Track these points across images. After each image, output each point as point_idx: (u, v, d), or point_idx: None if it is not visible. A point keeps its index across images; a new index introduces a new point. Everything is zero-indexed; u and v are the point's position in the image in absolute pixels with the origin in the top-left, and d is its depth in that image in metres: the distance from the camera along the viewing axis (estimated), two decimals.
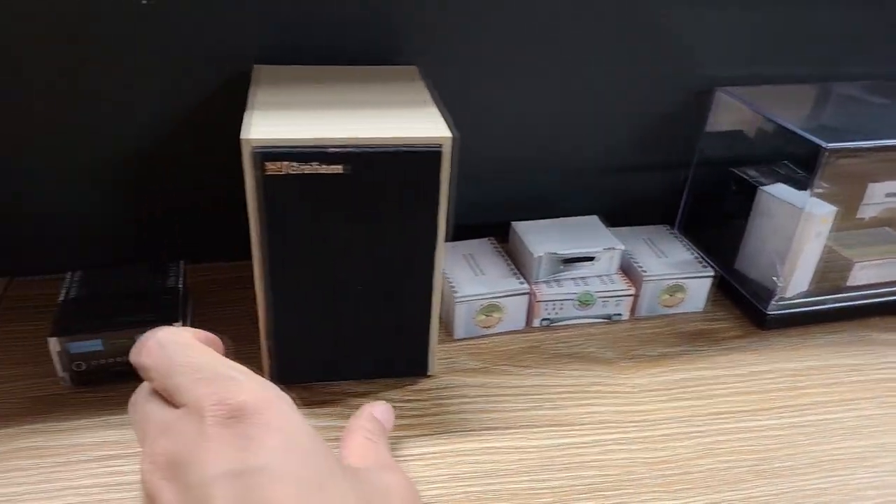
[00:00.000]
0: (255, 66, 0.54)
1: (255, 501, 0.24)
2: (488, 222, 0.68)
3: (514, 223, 0.63)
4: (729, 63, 0.66)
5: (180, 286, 0.55)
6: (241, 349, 0.56)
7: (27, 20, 0.52)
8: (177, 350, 0.30)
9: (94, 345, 0.51)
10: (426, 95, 0.50)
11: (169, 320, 0.51)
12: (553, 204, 0.70)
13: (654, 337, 0.59)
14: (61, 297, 0.53)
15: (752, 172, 0.63)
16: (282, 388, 0.51)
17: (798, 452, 0.49)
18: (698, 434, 0.50)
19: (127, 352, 0.51)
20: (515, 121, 0.65)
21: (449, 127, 0.44)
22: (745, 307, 0.62)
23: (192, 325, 0.56)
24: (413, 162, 0.43)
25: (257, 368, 0.53)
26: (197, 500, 0.24)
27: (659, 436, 0.49)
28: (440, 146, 0.43)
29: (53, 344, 0.50)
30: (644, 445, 0.49)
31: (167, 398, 0.30)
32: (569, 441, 0.49)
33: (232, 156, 0.61)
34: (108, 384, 0.52)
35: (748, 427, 0.50)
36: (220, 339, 0.35)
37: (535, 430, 0.50)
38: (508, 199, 0.69)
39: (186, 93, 0.58)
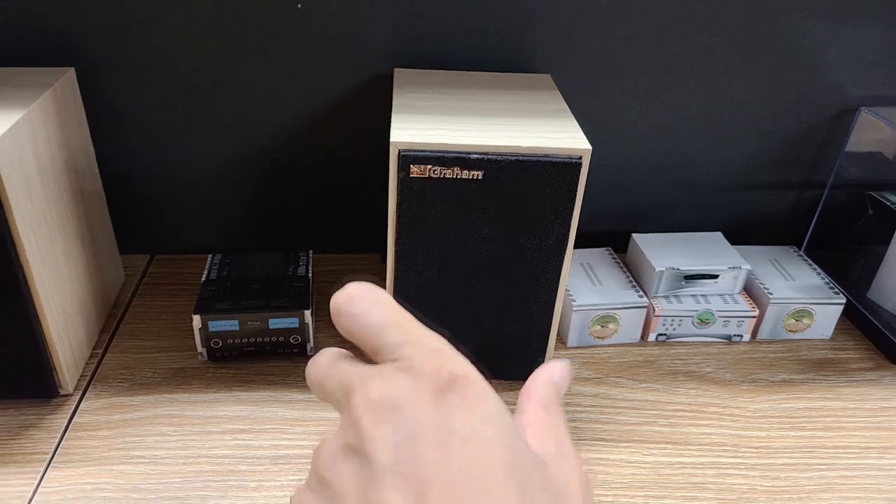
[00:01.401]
0: (395, 69, 0.56)
1: (465, 462, 0.24)
2: (603, 231, 0.68)
3: (634, 235, 0.62)
4: (869, 82, 0.63)
5: (309, 275, 0.58)
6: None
7: (184, 20, 0.56)
8: (385, 308, 0.29)
9: (230, 325, 0.54)
10: (563, 105, 0.51)
11: (299, 307, 0.54)
12: (670, 217, 0.69)
13: (775, 362, 0.58)
14: (203, 278, 0.57)
15: (894, 198, 0.60)
16: None
17: None
18: (822, 467, 0.48)
19: (259, 334, 0.55)
20: (642, 131, 0.64)
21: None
22: (878, 339, 0.59)
23: (316, 314, 0.59)
24: (551, 172, 0.44)
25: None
26: (410, 448, 0.24)
27: (780, 464, 0.48)
28: (580, 158, 0.44)
29: (196, 321, 0.53)
30: (763, 473, 0.48)
31: (369, 355, 0.29)
32: (684, 460, 0.48)
33: (365, 154, 0.64)
34: (239, 362, 0.56)
35: (877, 465, 0.48)
36: None
37: (648, 445, 0.50)
38: (626, 210, 0.68)
39: (329, 91, 0.60)
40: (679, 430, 0.51)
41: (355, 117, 0.62)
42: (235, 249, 0.69)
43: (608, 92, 0.62)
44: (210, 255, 0.61)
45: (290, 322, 0.55)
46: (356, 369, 0.28)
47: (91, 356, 0.56)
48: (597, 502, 0.45)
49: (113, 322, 0.60)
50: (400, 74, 0.55)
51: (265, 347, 0.55)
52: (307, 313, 0.54)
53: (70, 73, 0.53)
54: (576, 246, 0.62)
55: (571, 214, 0.46)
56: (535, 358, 0.53)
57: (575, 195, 0.45)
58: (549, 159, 0.44)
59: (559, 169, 0.44)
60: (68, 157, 0.52)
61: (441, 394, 0.25)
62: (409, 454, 0.24)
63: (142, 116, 0.61)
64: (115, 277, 0.63)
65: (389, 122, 0.61)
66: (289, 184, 0.66)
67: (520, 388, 0.54)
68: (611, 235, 0.67)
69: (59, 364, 0.50)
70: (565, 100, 0.52)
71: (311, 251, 0.62)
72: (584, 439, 0.50)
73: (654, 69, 0.61)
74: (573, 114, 0.49)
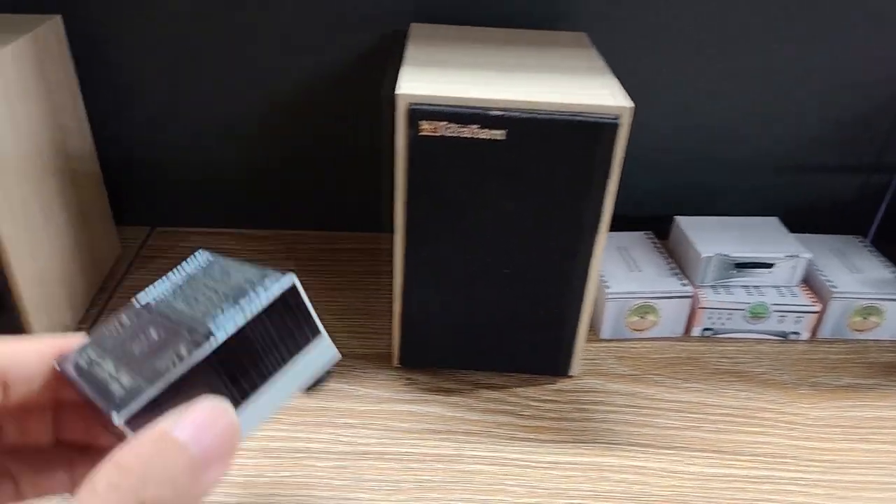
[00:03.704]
0: (412, 24, 0.50)
1: None
2: (641, 215, 0.61)
3: (677, 217, 0.55)
4: None
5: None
6: (369, 324, 0.53)
7: None
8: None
9: None
10: (600, 62, 0.44)
11: None
12: (716, 201, 0.62)
13: (839, 364, 0.50)
14: None
15: None
16: (408, 371, 0.48)
17: None
18: None
19: None
20: (685, 103, 0.57)
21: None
22: None
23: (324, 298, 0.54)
24: (585, 133, 0.37)
25: (388, 346, 0.51)
26: None
27: (848, 482, 0.41)
28: (618, 117, 0.37)
29: None
30: (829, 491, 0.41)
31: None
32: (733, 473, 0.42)
33: (378, 119, 0.59)
34: None
35: None
36: None
37: (692, 453, 0.43)
38: (667, 191, 0.61)
39: (340, 49, 0.55)
40: (728, 437, 0.44)
41: (368, 79, 0.56)
42: (239, 223, 0.64)
43: (649, 55, 0.55)
44: None
45: None
46: None
47: (77, 329, 0.51)
48: None
49: (104, 295, 0.55)
50: (416, 29, 0.49)
51: None
52: None
53: (55, 20, 0.48)
54: (611, 229, 0.56)
55: (607, 185, 0.39)
56: (563, 350, 0.47)
57: (612, 161, 0.39)
58: (582, 118, 0.37)
59: (594, 130, 0.37)
60: (50, 112, 0.47)
61: None
62: None
63: (137, 73, 0.56)
64: (108, 249, 0.58)
65: None
66: (300, 154, 0.60)
67: (545, 385, 0.48)
68: (650, 220, 0.60)
69: (33, 332, 0.45)
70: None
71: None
72: (618, 443, 0.43)
73: (703, 31, 0.54)
74: None
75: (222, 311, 0.25)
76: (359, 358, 0.50)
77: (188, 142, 0.60)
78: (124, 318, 0.28)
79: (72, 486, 0.28)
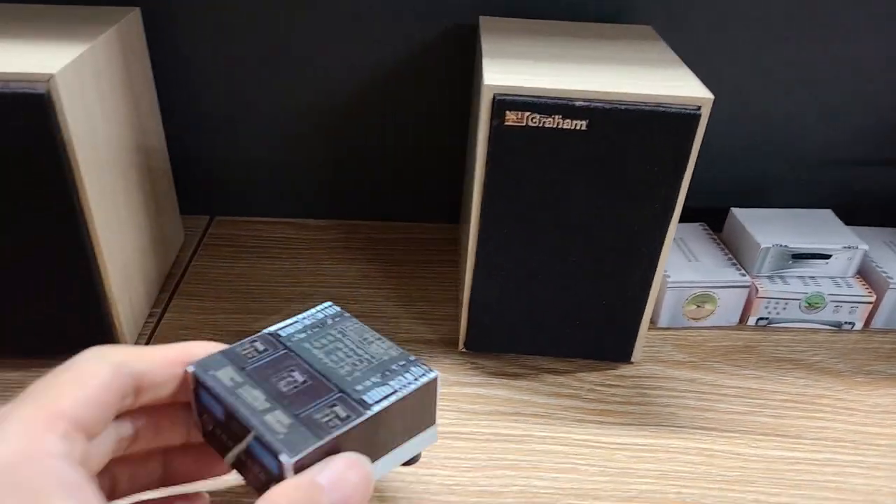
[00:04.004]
0: (481, 17, 0.52)
1: None
2: (695, 206, 0.63)
3: (733, 209, 0.57)
4: None
5: None
6: (432, 311, 0.55)
7: None
8: None
9: None
10: (672, 54, 0.45)
11: None
12: (769, 194, 0.63)
13: (894, 353, 0.52)
14: None
15: None
16: (473, 356, 0.50)
17: None
18: None
19: None
20: (746, 96, 0.58)
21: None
22: None
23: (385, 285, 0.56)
24: (665, 124, 0.39)
25: (451, 332, 0.52)
26: None
27: None
28: (698, 108, 0.38)
29: None
30: (890, 473, 0.42)
31: None
32: (797, 456, 0.43)
33: (442, 111, 0.60)
34: None
35: None
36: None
37: (756, 436, 0.44)
38: (722, 183, 0.62)
39: (405, 42, 0.56)
40: (789, 422, 0.46)
41: (433, 71, 0.57)
42: (296, 212, 0.66)
43: (711, 47, 0.56)
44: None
45: None
46: None
47: (150, 315, 0.53)
48: (678, 494, 0.40)
49: (172, 282, 0.57)
50: (487, 22, 0.51)
51: None
52: None
53: (135, 13, 0.50)
54: None
55: (683, 176, 0.41)
56: (626, 337, 0.48)
57: (689, 153, 0.40)
58: (663, 109, 0.39)
59: (674, 120, 0.39)
60: (132, 104, 0.49)
61: None
62: None
63: (204, 67, 0.58)
64: (174, 236, 0.60)
65: (471, 77, 0.57)
66: (357, 144, 0.62)
67: (607, 371, 0.49)
68: (703, 212, 0.62)
69: (118, 320, 0.47)
70: None
71: None
72: (683, 427, 0.45)
73: (763, 25, 0.55)
74: None
75: (372, 383, 0.30)
76: (425, 343, 0.51)
77: (248, 134, 0.61)
78: (259, 344, 0.31)
79: None
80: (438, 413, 0.45)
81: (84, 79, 0.41)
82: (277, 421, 0.27)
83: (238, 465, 0.29)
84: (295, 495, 0.24)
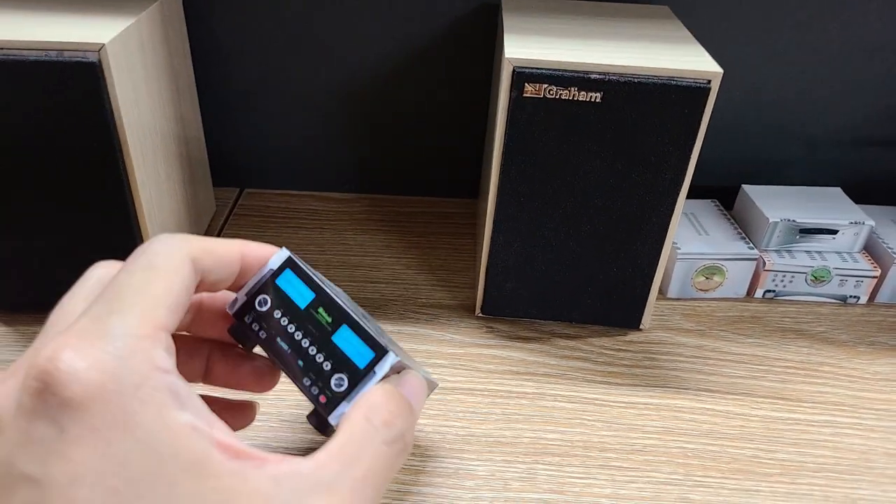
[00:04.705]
0: None
1: None
2: (707, 185, 0.65)
3: (744, 186, 0.59)
4: None
5: None
6: (451, 279, 0.57)
7: None
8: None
9: None
10: (686, 32, 0.47)
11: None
12: (781, 173, 0.65)
13: None
14: None
15: None
16: (488, 321, 0.52)
17: None
18: None
19: None
20: (759, 78, 0.60)
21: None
22: None
23: (407, 255, 0.58)
24: (676, 97, 0.41)
25: (469, 298, 0.55)
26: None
27: None
28: (708, 82, 0.41)
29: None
30: (885, 435, 0.44)
31: None
32: (797, 417, 0.45)
33: (465, 88, 0.62)
34: None
35: None
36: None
37: (757, 399, 0.47)
38: (735, 162, 0.64)
39: (431, 21, 0.59)
40: (791, 386, 0.48)
41: (457, 51, 0.60)
42: (320, 186, 0.68)
43: (726, 28, 0.58)
44: None
45: None
46: None
47: None
48: (681, 449, 0.43)
49: None
50: (509, 1, 0.53)
51: None
52: None
53: None
54: None
55: (692, 148, 0.43)
56: (636, 305, 0.50)
57: (699, 125, 0.42)
58: (674, 82, 0.41)
59: (685, 93, 0.41)
60: (172, 78, 0.52)
61: (40, 417, 0.19)
62: None
63: (240, 40, 0.61)
64: (207, 206, 0.63)
65: (493, 55, 0.59)
66: (381, 122, 0.64)
67: (617, 336, 0.52)
68: (716, 190, 0.64)
69: None
70: None
71: None
72: (687, 388, 0.47)
73: (780, 4, 0.57)
74: None
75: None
76: (444, 308, 0.54)
77: (278, 110, 0.64)
78: (322, 276, 0.33)
79: None
80: (455, 372, 0.48)
81: (130, 50, 0.44)
82: (366, 320, 0.29)
83: (290, 356, 0.29)
84: (391, 404, 0.26)
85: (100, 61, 0.40)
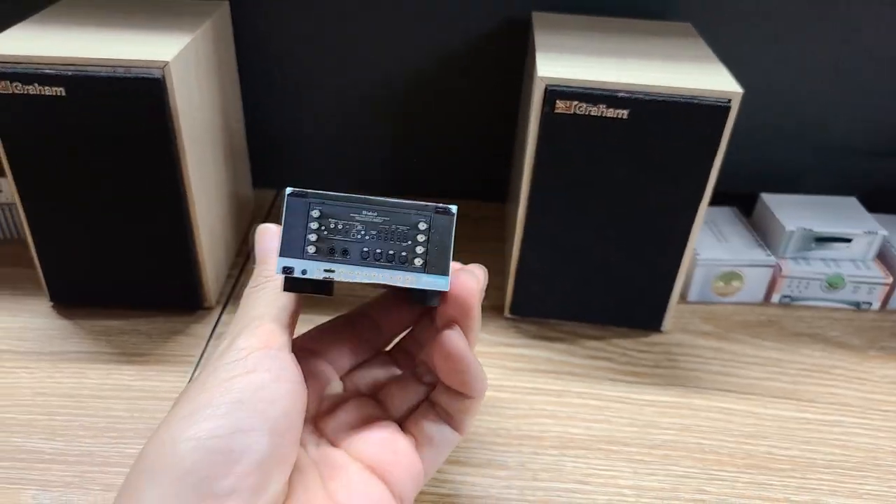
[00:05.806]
0: (534, 13, 0.57)
1: None
2: (726, 192, 0.67)
3: (763, 194, 0.61)
4: None
5: None
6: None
7: None
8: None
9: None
10: (708, 51, 0.50)
11: None
12: (797, 182, 0.67)
13: None
14: None
15: None
16: (517, 321, 0.55)
17: None
18: None
19: None
20: (777, 88, 0.62)
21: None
22: None
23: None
24: (698, 115, 0.44)
25: (498, 299, 0.58)
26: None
27: None
28: (729, 101, 0.43)
29: None
30: (892, 435, 0.47)
31: None
32: (808, 416, 0.48)
33: (496, 98, 0.65)
34: None
35: None
36: None
37: (771, 399, 0.49)
38: (753, 170, 0.67)
39: (462, 34, 0.62)
40: (803, 387, 0.50)
41: (487, 62, 0.63)
42: (357, 189, 0.71)
43: (745, 41, 0.60)
44: None
45: None
46: None
47: (228, 276, 0.59)
48: (698, 444, 0.45)
49: (246, 248, 0.63)
50: (539, 18, 0.56)
51: None
52: None
53: (225, 6, 0.56)
54: None
55: (713, 162, 0.46)
56: (657, 308, 0.53)
57: (720, 142, 0.45)
58: (697, 101, 0.43)
59: (707, 112, 0.44)
60: (220, 87, 0.56)
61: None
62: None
63: (283, 50, 0.64)
64: (248, 206, 0.66)
65: (522, 68, 0.62)
66: (413, 127, 0.68)
67: (639, 338, 0.54)
68: (734, 197, 0.66)
69: (205, 278, 0.53)
70: None
71: None
72: (705, 388, 0.50)
73: (797, 17, 0.59)
74: None
75: None
76: None
77: (314, 115, 0.67)
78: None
79: None
80: (485, 370, 0.51)
81: (188, 66, 0.47)
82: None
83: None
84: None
85: (164, 77, 0.44)
